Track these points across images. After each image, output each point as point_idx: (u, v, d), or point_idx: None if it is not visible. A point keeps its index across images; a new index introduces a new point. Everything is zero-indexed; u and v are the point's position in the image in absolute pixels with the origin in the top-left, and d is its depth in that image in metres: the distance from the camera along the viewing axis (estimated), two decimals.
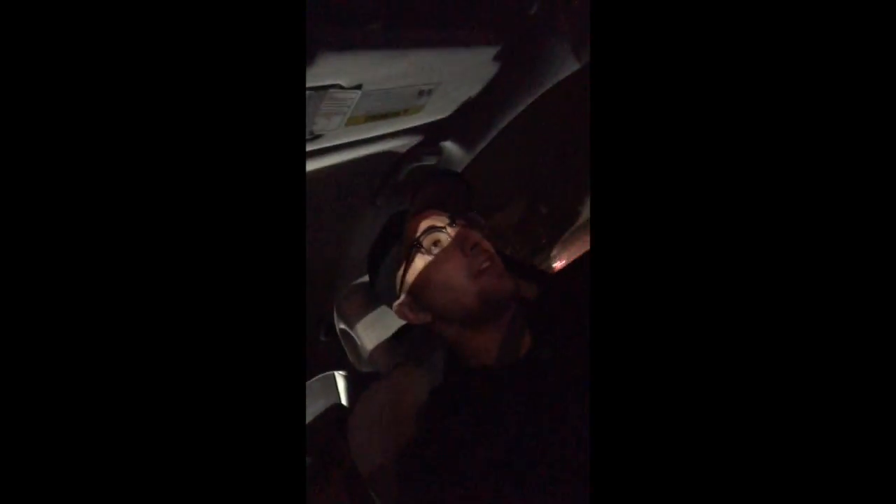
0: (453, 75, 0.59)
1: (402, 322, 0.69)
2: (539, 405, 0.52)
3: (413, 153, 0.72)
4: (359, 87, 0.47)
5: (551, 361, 0.57)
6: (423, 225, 0.59)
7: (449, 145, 0.74)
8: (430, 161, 0.74)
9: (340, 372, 1.04)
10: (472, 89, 0.66)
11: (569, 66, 0.62)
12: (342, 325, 0.73)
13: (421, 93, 0.59)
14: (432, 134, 0.72)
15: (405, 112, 0.60)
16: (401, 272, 0.59)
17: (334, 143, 0.56)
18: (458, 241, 0.58)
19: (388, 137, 0.65)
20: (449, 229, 0.59)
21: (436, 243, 0.58)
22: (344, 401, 1.05)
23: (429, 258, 0.58)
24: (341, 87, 0.46)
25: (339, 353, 0.80)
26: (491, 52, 0.60)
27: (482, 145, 0.72)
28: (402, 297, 0.60)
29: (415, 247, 0.58)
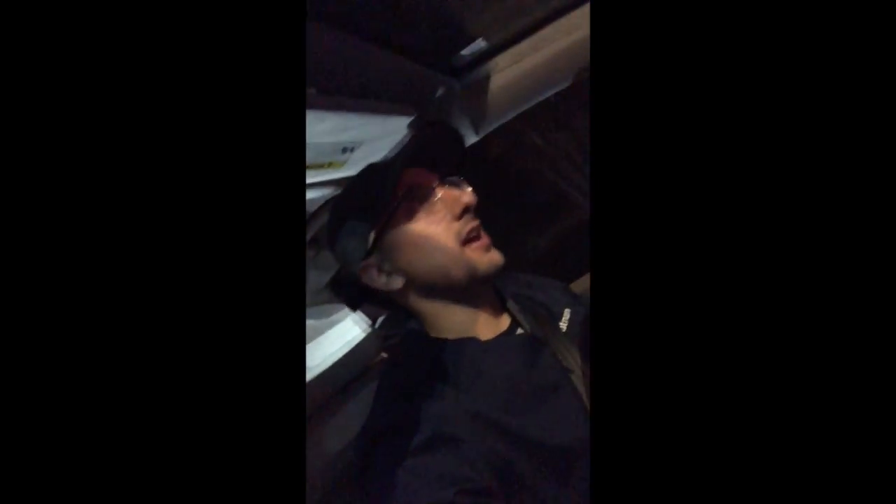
0: (373, 137, 0.69)
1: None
2: (521, 379, 0.48)
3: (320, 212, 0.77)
4: None
5: (530, 340, 0.52)
6: (411, 179, 0.54)
7: None
8: None
9: None
10: (390, 150, 0.76)
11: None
12: None
13: (345, 149, 0.67)
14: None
15: (329, 165, 0.68)
16: (375, 230, 0.52)
17: None
18: (448, 202, 0.52)
19: (311, 187, 0.71)
20: (438, 189, 0.54)
21: (422, 201, 0.53)
22: None
23: (414, 216, 0.52)
24: None
25: None
26: (405, 120, 0.71)
27: None
28: (373, 256, 0.54)
29: (402, 199, 0.52)
